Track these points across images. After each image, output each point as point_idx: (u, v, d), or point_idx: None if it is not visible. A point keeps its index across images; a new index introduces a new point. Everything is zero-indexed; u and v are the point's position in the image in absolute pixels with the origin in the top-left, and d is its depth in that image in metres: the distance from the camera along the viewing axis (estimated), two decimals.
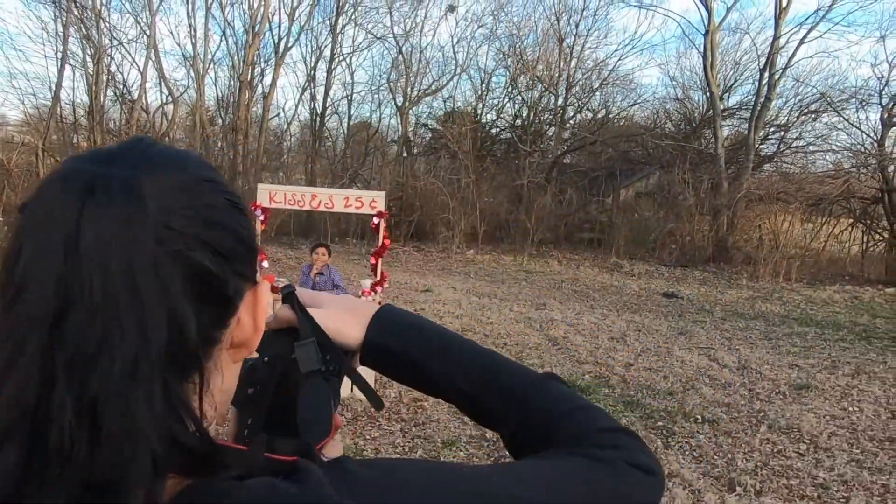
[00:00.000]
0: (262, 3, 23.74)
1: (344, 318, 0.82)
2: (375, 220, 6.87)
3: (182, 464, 0.51)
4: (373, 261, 7.02)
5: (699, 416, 6.69)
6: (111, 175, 0.52)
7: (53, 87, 22.82)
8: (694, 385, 7.81)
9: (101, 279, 0.48)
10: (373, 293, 6.82)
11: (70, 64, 23.02)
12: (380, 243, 6.96)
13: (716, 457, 5.76)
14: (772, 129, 23.46)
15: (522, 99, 25.85)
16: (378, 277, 6.91)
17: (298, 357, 0.77)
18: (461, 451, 5.64)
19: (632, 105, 26.40)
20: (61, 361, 0.46)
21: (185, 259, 0.53)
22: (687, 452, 5.85)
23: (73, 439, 0.46)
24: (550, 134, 25.32)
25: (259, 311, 0.64)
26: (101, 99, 22.74)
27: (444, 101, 26.66)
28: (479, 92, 26.25)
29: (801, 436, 6.25)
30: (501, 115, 26.87)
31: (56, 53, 22.99)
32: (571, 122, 26.10)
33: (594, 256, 20.34)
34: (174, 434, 0.50)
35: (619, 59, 25.82)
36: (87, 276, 0.48)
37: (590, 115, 26.21)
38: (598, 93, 25.47)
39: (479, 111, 26.06)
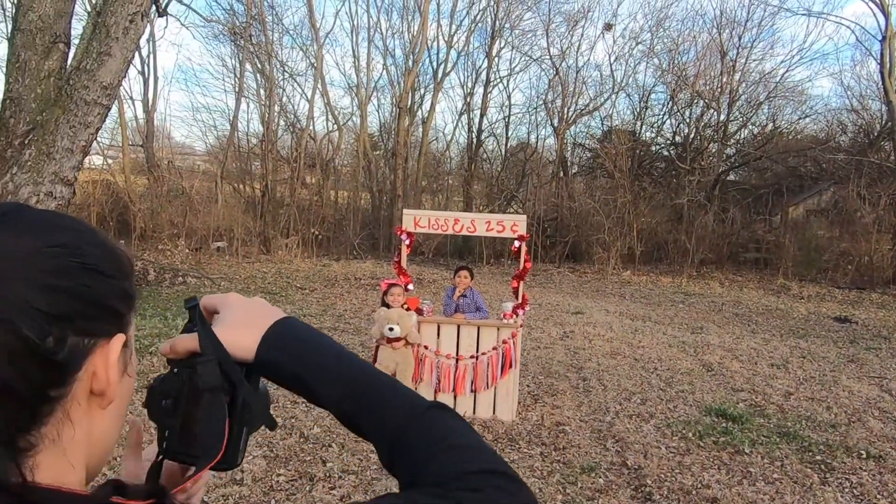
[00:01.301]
0: (422, 31, 24.52)
1: (240, 332, 0.84)
2: (517, 243, 6.93)
3: None
4: (514, 284, 7.07)
5: (864, 452, 6.24)
6: None
7: (231, 119, 24.61)
8: (861, 417, 7.31)
9: None
10: (514, 316, 6.87)
11: (245, 97, 24.74)
12: (521, 267, 7.00)
13: (879, 496, 5.36)
14: None
15: (682, 116, 25.16)
16: (519, 300, 6.95)
17: (199, 373, 0.80)
18: (600, 477, 5.55)
19: (802, 118, 25.05)
20: None
21: (10, 327, 0.58)
22: (847, 490, 5.48)
23: None
24: (712, 151, 24.42)
25: (110, 364, 0.67)
26: (273, 128, 24.21)
27: (602, 121, 26.42)
28: (638, 110, 25.82)
29: None
30: (661, 133, 26.26)
31: (234, 87, 24.80)
32: (735, 137, 25.08)
33: (759, 278, 19.38)
34: None
35: (787, 71, 24.60)
36: None
37: (755, 129, 25.09)
38: (764, 106, 24.36)
39: (637, 129, 25.60)
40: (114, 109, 22.94)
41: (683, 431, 6.67)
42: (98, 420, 0.69)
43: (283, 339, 0.85)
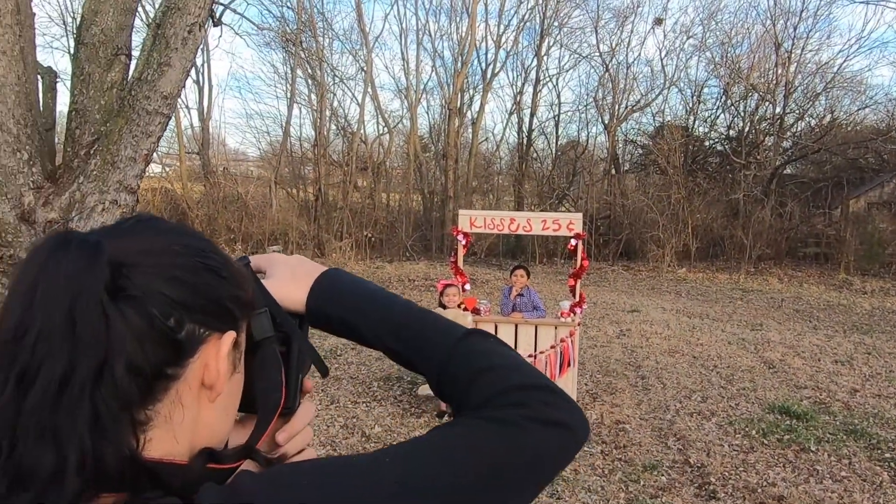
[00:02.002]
0: (470, 32, 24.56)
1: (289, 285, 0.92)
2: (573, 241, 6.92)
3: (110, 481, 0.63)
4: (571, 282, 7.06)
5: None
6: (80, 237, 0.68)
7: (283, 124, 24.99)
8: None
9: (44, 314, 0.62)
10: (572, 314, 6.86)
11: (297, 102, 25.09)
12: (578, 265, 7.00)
13: None
14: None
15: (736, 109, 24.73)
16: (577, 299, 6.94)
17: (253, 326, 0.84)
18: (662, 475, 5.52)
19: (861, 108, 24.38)
20: (13, 375, 0.61)
21: (140, 306, 0.66)
22: None
23: (10, 440, 0.61)
24: (768, 144, 23.95)
25: (220, 357, 0.74)
26: (325, 132, 24.51)
27: (654, 116, 26.11)
28: (690, 105, 25.45)
29: None
30: (714, 128, 25.84)
31: (286, 93, 25.18)
32: (791, 130, 24.55)
33: (819, 273, 18.95)
34: (98, 451, 0.62)
35: (846, 60, 24.05)
36: (37, 311, 0.63)
37: (812, 121, 24.52)
38: (821, 97, 23.79)
39: (690, 124, 25.24)
40: (171, 118, 23.45)
41: (746, 429, 6.59)
42: (206, 411, 0.75)
43: (330, 290, 0.92)
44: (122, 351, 0.65)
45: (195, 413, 0.74)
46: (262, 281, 0.92)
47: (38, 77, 10.46)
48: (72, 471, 0.61)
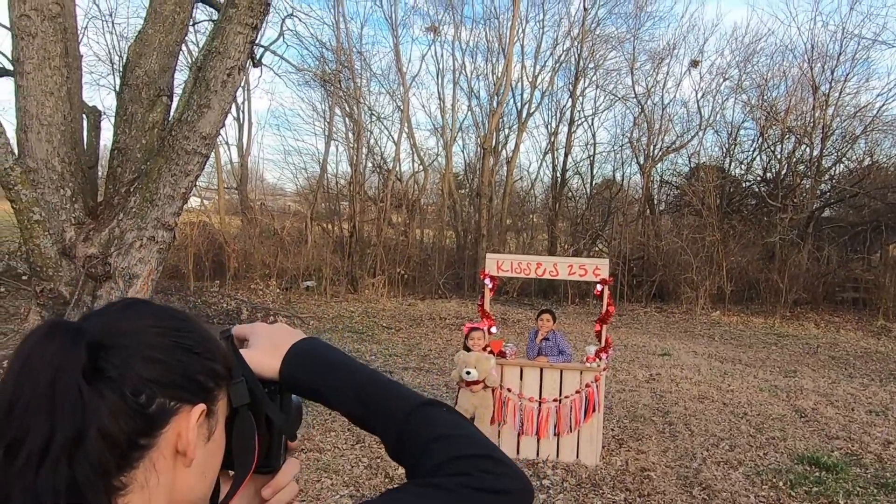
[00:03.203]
0: (506, 72, 24.81)
1: (266, 354, 1.00)
2: (599, 287, 6.93)
3: None
4: (597, 328, 7.06)
5: None
6: (66, 325, 0.78)
7: (320, 161, 25.36)
8: None
9: (30, 390, 0.72)
10: (597, 360, 6.86)
11: (334, 140, 25.47)
12: (604, 310, 7.00)
13: None
14: None
15: (773, 151, 24.56)
16: (603, 344, 6.94)
17: (231, 394, 0.94)
18: None
19: None
20: (3, 445, 0.72)
21: (114, 384, 0.76)
22: None
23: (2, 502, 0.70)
24: (805, 187, 23.71)
25: (190, 427, 0.83)
26: (361, 169, 24.81)
27: (689, 158, 26.01)
28: (726, 146, 25.32)
29: None
30: (750, 170, 25.66)
31: (323, 131, 25.59)
32: (829, 173, 24.29)
33: (857, 319, 18.61)
34: None
35: (885, 103, 23.72)
36: (24, 387, 0.73)
37: (851, 164, 24.24)
38: (860, 140, 23.52)
39: (725, 166, 25.10)
40: (211, 153, 23.98)
41: (774, 480, 6.50)
42: (182, 476, 0.84)
43: (300, 358, 1.01)
44: (96, 424, 0.74)
45: (171, 477, 0.82)
46: (243, 351, 1.01)
47: (84, 116, 10.77)
48: None
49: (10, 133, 8.93)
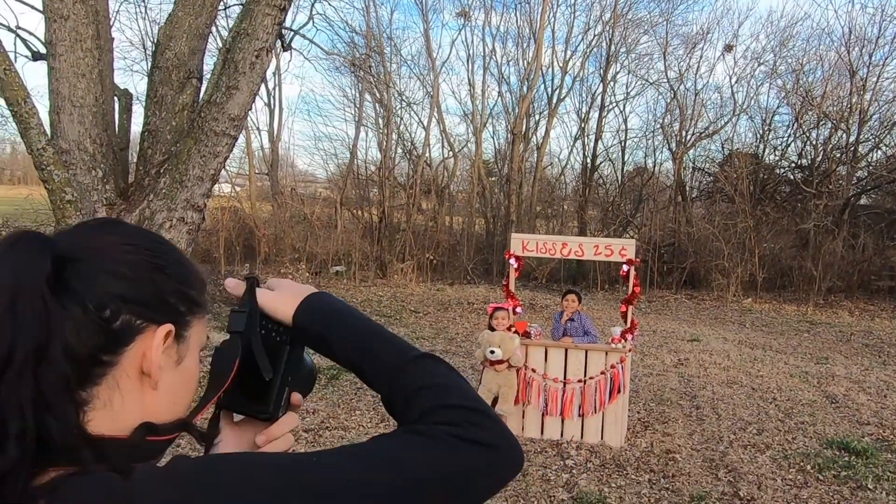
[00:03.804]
0: (536, 57, 24.66)
1: (283, 300, 1.01)
2: (625, 267, 6.88)
3: (56, 453, 0.71)
4: (623, 308, 7.01)
5: None
6: (31, 235, 0.77)
7: (350, 147, 25.46)
8: None
9: None
10: (623, 340, 6.81)
11: (364, 125, 25.53)
12: (629, 291, 6.95)
13: None
14: None
15: (808, 137, 24.15)
16: (628, 325, 6.89)
17: (230, 319, 0.97)
18: None
19: None
20: None
21: (77, 297, 0.75)
22: None
23: None
24: (841, 174, 23.30)
25: (154, 346, 0.81)
26: (391, 155, 24.85)
27: (722, 144, 25.67)
28: (760, 132, 24.95)
29: None
30: (785, 156, 25.26)
31: (353, 117, 25.67)
32: (866, 159, 23.84)
33: (893, 307, 18.26)
34: (42, 423, 0.70)
35: None
36: None
37: (888, 150, 23.77)
38: None
39: (759, 152, 24.73)
40: (242, 139, 24.20)
41: (802, 464, 6.42)
42: (150, 398, 0.83)
43: (313, 307, 1.01)
44: (59, 336, 0.73)
45: (136, 399, 0.81)
46: (262, 291, 1.02)
47: (115, 99, 10.85)
48: (12, 440, 0.69)
49: (43, 115, 9.08)
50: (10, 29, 13.34)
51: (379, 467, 0.79)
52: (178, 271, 0.87)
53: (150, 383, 0.82)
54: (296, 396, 1.04)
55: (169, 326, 0.83)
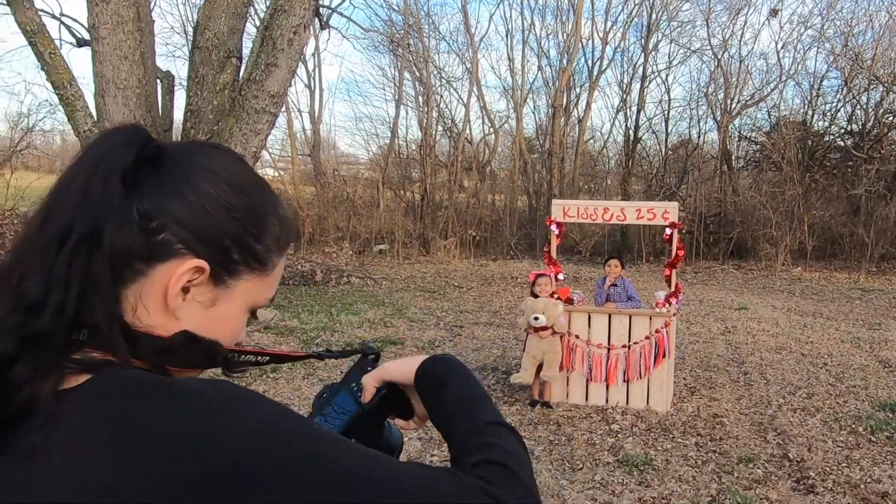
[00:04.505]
0: (576, 29, 24.37)
1: (408, 362, 1.02)
2: (668, 231, 6.80)
3: (98, 335, 0.74)
4: (667, 272, 6.94)
5: None
6: (141, 131, 0.83)
7: (391, 126, 25.50)
8: None
9: (74, 175, 0.76)
10: (667, 304, 6.74)
11: (404, 104, 25.54)
12: (673, 254, 6.87)
13: None
14: None
15: (858, 102, 23.49)
16: (672, 289, 6.82)
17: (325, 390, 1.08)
18: (759, 468, 5.37)
19: None
20: (41, 216, 0.77)
21: (136, 198, 0.78)
22: None
23: (23, 272, 0.74)
24: (894, 138, 22.65)
25: (177, 272, 0.79)
26: (432, 133, 24.84)
27: (768, 111, 25.11)
28: (808, 98, 24.35)
29: None
30: (834, 122, 24.63)
31: (393, 96, 25.69)
32: None
33: None
34: (88, 302, 0.73)
35: None
36: (74, 172, 0.78)
37: None
38: None
39: (807, 119, 24.16)
40: (284, 122, 24.36)
41: (853, 426, 6.32)
42: (173, 326, 0.81)
43: (440, 360, 1.01)
44: (110, 226, 0.75)
45: (159, 318, 0.80)
46: (394, 362, 1.06)
47: (158, 81, 11.00)
48: (49, 308, 0.71)
49: (89, 99, 9.25)
50: (54, 16, 13.65)
51: (406, 484, 0.73)
52: (249, 219, 0.84)
53: (171, 310, 0.81)
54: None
55: (201, 262, 0.80)
